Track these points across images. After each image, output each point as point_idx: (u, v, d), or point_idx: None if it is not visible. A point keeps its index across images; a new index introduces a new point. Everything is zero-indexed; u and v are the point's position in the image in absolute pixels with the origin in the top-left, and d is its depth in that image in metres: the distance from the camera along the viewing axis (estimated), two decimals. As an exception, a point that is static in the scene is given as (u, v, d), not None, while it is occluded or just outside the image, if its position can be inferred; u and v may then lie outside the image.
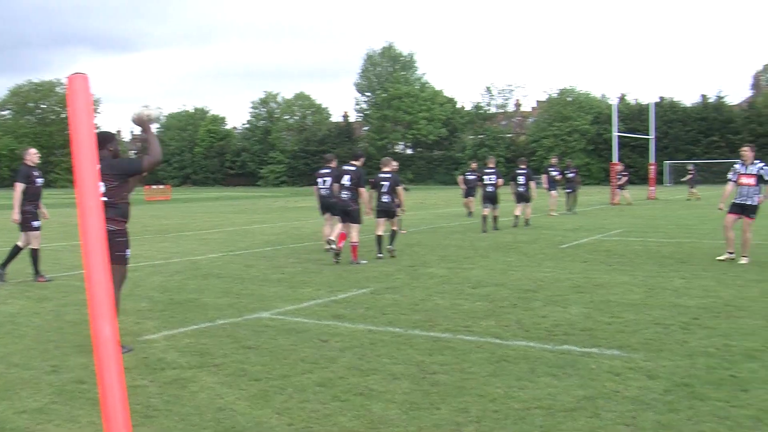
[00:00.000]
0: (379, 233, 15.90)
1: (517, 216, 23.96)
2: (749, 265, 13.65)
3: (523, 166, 24.62)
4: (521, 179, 24.30)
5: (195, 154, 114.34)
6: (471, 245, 18.16)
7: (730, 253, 14.49)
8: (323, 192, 16.69)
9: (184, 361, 7.42)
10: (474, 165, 31.83)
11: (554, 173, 30.88)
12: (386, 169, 16.31)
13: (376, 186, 16.21)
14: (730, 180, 14.76)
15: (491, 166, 23.35)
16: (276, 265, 14.88)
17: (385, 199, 15.98)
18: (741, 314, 9.26)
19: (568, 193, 32.10)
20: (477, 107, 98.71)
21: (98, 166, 7.35)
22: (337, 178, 15.71)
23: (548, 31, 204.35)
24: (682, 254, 15.63)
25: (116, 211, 7.65)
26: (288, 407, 5.97)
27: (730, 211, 14.52)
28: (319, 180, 16.91)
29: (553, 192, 30.34)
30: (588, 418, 5.57)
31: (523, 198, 23.92)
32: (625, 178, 40.48)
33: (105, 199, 7.41)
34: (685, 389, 6.19)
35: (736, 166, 14.73)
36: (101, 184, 7.43)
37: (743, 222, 14.33)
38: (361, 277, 13.13)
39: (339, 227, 15.37)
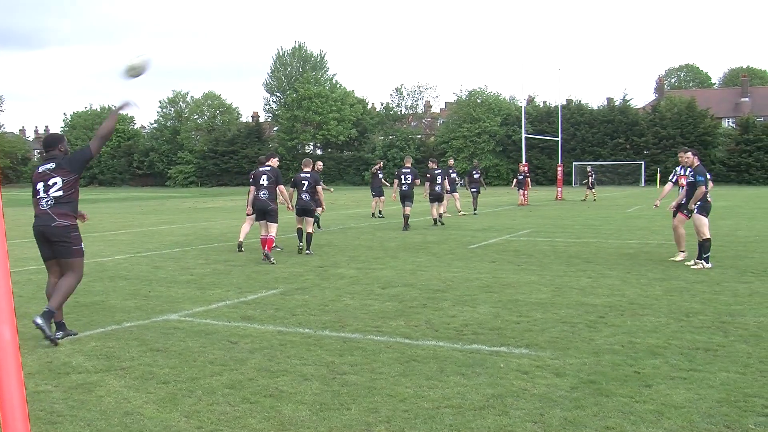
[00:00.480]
0: (300, 227, 16.77)
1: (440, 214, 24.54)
2: (652, 264, 14.06)
3: (408, 165, 24.13)
4: (408, 178, 23.73)
5: (102, 154, 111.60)
6: (380, 246, 18.24)
7: (682, 251, 14.93)
8: (262, 195, 16.14)
9: (90, 365, 7.25)
10: (380, 164, 32.19)
11: (453, 174, 31.04)
12: (306, 169, 16.92)
13: (296, 185, 16.74)
14: (669, 180, 15.71)
15: (408, 165, 24.06)
16: (184, 267, 14.68)
17: (304, 197, 16.54)
18: (645, 312, 9.54)
19: (474, 193, 32.61)
20: (387, 108, 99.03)
21: (53, 165, 8.17)
22: (254, 180, 15.98)
23: (458, 33, 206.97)
24: (588, 254, 16.00)
25: (70, 206, 8.28)
26: (197, 410, 5.89)
27: (676, 213, 14.96)
28: (260, 179, 16.40)
29: (455, 194, 30.51)
30: (497, 416, 5.66)
31: (414, 198, 24.08)
32: (516, 180, 40.73)
33: (60, 194, 8.20)
34: (591, 386, 6.35)
35: (677, 168, 15.63)
36: (58, 180, 8.20)
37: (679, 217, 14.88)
38: (270, 278, 13.05)
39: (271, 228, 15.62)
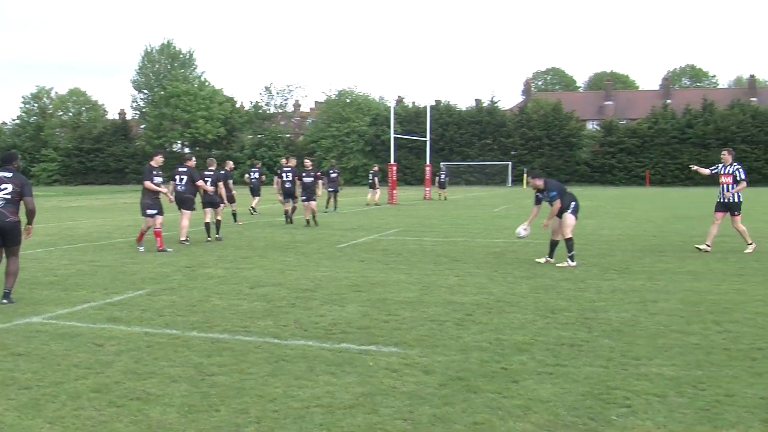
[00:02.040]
0: (207, 221, 19.42)
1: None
2: (519, 263, 14.46)
3: (185, 167, 23.07)
4: (289, 176, 24.50)
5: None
6: (249, 245, 18.09)
7: (708, 245, 16.33)
8: (179, 188, 18.55)
9: (-60, 371, 6.91)
10: (259, 164, 32.61)
11: (333, 174, 31.18)
12: (211, 167, 19.97)
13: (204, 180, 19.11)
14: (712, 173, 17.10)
15: (289, 165, 24.82)
16: (48, 268, 14.16)
17: (210, 192, 19.16)
18: (511, 309, 9.81)
19: (331, 192, 32.82)
20: (256, 107, 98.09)
21: (10, 174, 10.59)
22: (172, 177, 18.53)
23: (328, 32, 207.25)
24: (456, 253, 16.31)
25: (17, 207, 10.61)
26: (61, 416, 5.69)
27: (717, 210, 16.57)
28: (176, 177, 18.73)
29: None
30: (366, 414, 5.70)
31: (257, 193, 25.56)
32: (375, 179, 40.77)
33: (10, 197, 10.52)
34: (460, 383, 6.48)
35: (719, 165, 16.83)
36: (9, 186, 10.54)
37: (731, 218, 16.41)
38: (137, 278, 12.75)
39: (155, 221, 16.97)
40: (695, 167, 18.33)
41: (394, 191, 41.98)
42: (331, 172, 33.68)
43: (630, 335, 8.26)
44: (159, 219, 17.02)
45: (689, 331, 8.49)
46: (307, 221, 23.51)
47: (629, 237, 19.62)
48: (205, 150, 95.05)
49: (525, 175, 78.43)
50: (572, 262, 14.09)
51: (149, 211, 16.98)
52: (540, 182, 14.58)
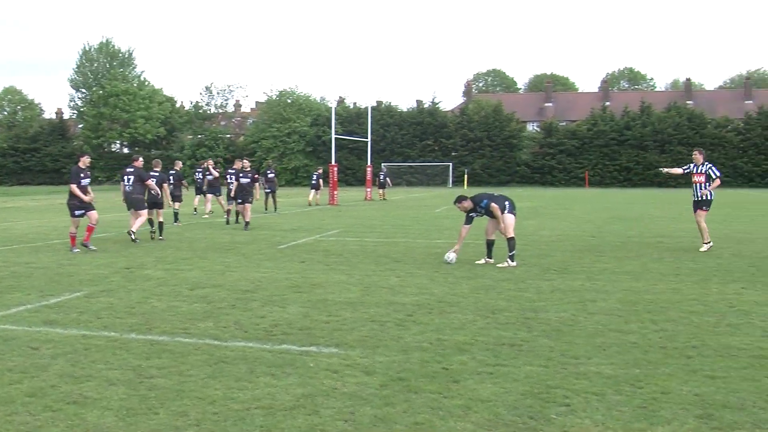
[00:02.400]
0: (150, 218, 19.68)
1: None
2: (459, 263, 14.53)
3: (132, 167, 20.69)
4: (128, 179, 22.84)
5: None
6: (189, 246, 17.93)
7: (708, 241, 16.91)
8: (127, 189, 18.94)
9: None
10: (205, 163, 32.45)
11: (209, 177, 30.31)
12: (157, 168, 20.44)
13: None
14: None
15: (235, 167, 25.03)
16: (-24, 270, 13.87)
17: (153, 192, 19.33)
18: (452, 310, 9.87)
19: (268, 193, 32.69)
20: (196, 107, 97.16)
21: None
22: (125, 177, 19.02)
23: (269, 33, 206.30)
24: (397, 253, 16.36)
25: None
26: (-9, 421, 5.59)
27: (695, 209, 17.28)
28: (124, 177, 19.08)
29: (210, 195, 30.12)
30: (307, 415, 5.69)
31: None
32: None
33: None
34: (401, 383, 6.50)
35: (690, 165, 17.59)
36: None
37: (698, 212, 17.14)
38: (74, 280, 12.53)
39: (90, 218, 17.05)
40: (666, 169, 19.10)
41: (335, 192, 41.93)
42: (269, 172, 33.56)
43: (569, 335, 8.37)
44: (94, 215, 17.10)
45: (627, 330, 8.63)
46: (246, 223, 23.25)
47: (569, 237, 19.87)
48: (145, 150, 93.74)
49: (466, 176, 79.15)
50: (512, 262, 14.22)
51: (77, 212, 16.98)
52: (468, 203, 14.73)
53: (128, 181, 18.80)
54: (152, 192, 19.29)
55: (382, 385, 6.45)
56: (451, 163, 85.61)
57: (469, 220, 14.83)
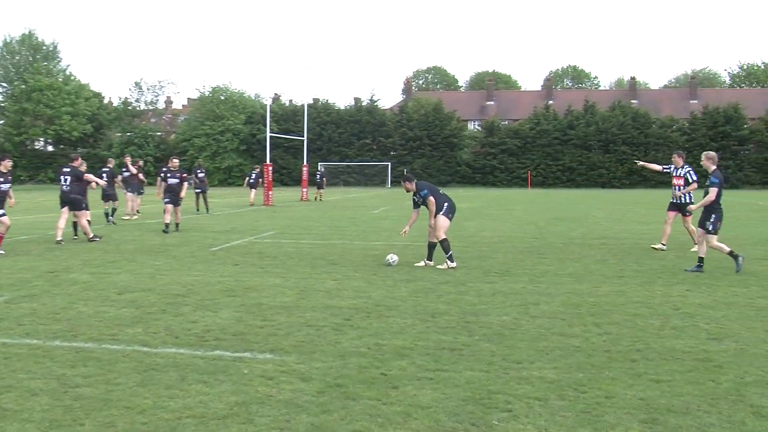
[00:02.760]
0: (72, 220, 20.00)
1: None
2: (398, 266, 14.58)
3: (69, 167, 20.86)
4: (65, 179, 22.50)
5: None
6: (117, 249, 17.69)
7: (664, 244, 17.52)
8: (64, 188, 19.33)
9: None
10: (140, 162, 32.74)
11: (125, 174, 29.74)
12: (78, 167, 20.02)
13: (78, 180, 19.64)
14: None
15: (172, 166, 24.10)
16: None
17: (95, 187, 20.36)
18: (391, 313, 9.91)
19: (198, 193, 32.42)
20: (125, 103, 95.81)
21: None
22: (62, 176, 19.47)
23: (201, 27, 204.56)
24: (334, 256, 16.36)
25: None
26: None
27: (669, 209, 17.89)
28: (61, 178, 19.51)
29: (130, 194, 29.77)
30: (241, 424, 5.67)
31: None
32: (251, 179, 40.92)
33: None
34: (338, 390, 6.51)
35: (671, 167, 18.19)
36: None
37: (682, 218, 17.73)
38: (-11, 284, 12.31)
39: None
40: (642, 162, 19.88)
41: (270, 192, 41.76)
42: (199, 171, 33.27)
43: (511, 338, 8.46)
44: (5, 221, 16.94)
45: (570, 333, 8.76)
46: (176, 225, 22.89)
47: (510, 239, 20.07)
48: (71, 148, 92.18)
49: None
50: (451, 262, 14.33)
51: None
52: (411, 185, 14.89)
53: (65, 182, 19.18)
54: (98, 186, 20.22)
55: (318, 391, 6.45)
56: (389, 163, 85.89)
57: (415, 204, 15.10)
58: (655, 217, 29.72)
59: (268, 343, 8.23)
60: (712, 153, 14.78)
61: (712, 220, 14.02)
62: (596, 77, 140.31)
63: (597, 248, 17.68)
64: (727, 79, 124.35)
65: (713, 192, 13.98)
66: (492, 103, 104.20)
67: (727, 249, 13.93)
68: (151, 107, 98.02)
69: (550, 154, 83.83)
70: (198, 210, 31.94)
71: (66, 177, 19.20)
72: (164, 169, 24.63)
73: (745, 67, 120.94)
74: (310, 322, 9.32)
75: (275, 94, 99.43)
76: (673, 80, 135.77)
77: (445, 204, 14.63)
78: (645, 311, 10.12)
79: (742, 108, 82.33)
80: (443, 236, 14.44)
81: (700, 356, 7.69)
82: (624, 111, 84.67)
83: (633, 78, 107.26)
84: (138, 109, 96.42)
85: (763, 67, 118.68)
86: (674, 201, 17.78)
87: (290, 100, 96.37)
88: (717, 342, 8.34)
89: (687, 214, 17.43)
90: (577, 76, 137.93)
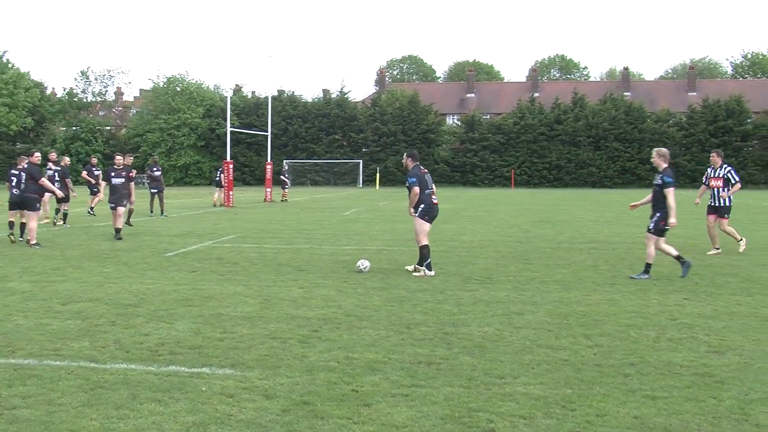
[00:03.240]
0: (20, 220, 20.54)
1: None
2: (371, 272, 14.60)
3: (122, 164, 23.39)
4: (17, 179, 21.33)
5: None
6: (61, 254, 17.57)
7: (717, 248, 18.06)
8: (14, 191, 20.06)
9: None
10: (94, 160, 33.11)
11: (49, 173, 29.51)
12: (21, 165, 20.56)
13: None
14: (703, 183, 19.22)
15: (122, 164, 23.98)
16: None
17: (15, 192, 20.16)
18: (362, 324, 9.91)
19: (154, 193, 32.16)
20: (70, 94, 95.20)
21: None
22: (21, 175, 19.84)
23: (154, 11, 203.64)
24: (300, 261, 16.34)
25: None
26: None
27: (708, 213, 18.42)
28: (12, 177, 20.18)
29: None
30: (197, 446, 5.64)
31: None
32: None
33: None
34: (305, 408, 6.49)
35: (708, 170, 18.63)
36: None
37: (718, 220, 18.25)
38: None
39: None
40: (698, 199, 19.86)
41: (231, 192, 41.65)
42: (155, 169, 33.03)
43: (493, 351, 8.48)
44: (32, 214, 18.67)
45: (558, 345, 8.79)
46: (116, 231, 21.82)
47: (492, 243, 20.13)
48: (9, 144, 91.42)
49: (378, 175, 79.40)
50: (429, 271, 14.33)
51: None
52: (409, 162, 15.05)
53: (16, 182, 19.94)
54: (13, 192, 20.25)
55: (283, 410, 6.43)
56: (361, 161, 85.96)
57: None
58: (642, 219, 29.88)
59: (229, 357, 8.20)
60: (664, 150, 14.86)
61: (655, 218, 14.19)
62: (586, 67, 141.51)
63: (587, 253, 17.78)
64: (729, 70, 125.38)
65: (671, 192, 14.09)
66: (472, 95, 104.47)
67: (651, 260, 14.15)
68: (99, 99, 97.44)
69: (536, 150, 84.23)
70: (152, 212, 31.73)
71: (18, 176, 19.66)
72: (113, 168, 24.40)
73: (749, 56, 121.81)
74: (275, 334, 9.29)
75: (236, 85, 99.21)
76: (669, 71, 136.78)
77: (423, 205, 14.55)
78: (639, 321, 10.17)
79: (746, 101, 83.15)
80: (424, 242, 14.41)
81: (700, 371, 7.73)
82: (616, 104, 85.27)
83: (626, 68, 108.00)
84: (85, 100, 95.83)
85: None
86: (712, 204, 18.27)
87: (253, 92, 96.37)
88: (718, 355, 8.40)
89: (725, 216, 18.08)
90: (565, 66, 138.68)
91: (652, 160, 14.77)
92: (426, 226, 14.60)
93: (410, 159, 15.06)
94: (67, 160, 27.98)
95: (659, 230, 14.09)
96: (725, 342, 9.00)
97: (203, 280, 13.68)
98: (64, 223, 25.92)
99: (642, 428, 6.04)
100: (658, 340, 9.12)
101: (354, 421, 6.16)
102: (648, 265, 14.09)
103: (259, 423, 6.12)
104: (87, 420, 6.20)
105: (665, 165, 14.37)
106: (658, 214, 14.08)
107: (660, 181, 14.17)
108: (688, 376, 7.50)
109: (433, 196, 14.75)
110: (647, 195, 14.92)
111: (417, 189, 14.47)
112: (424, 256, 14.39)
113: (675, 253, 14.11)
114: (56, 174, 25.38)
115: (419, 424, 6.09)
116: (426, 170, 15.05)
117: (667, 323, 10.07)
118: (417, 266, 14.70)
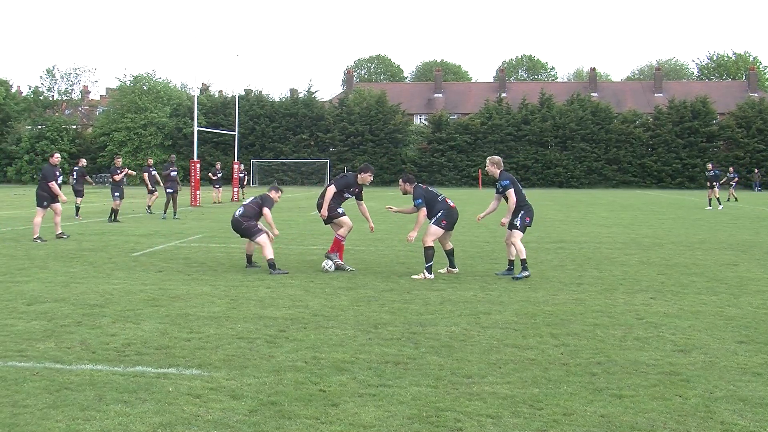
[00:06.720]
0: None
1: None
2: (338, 272, 14.60)
3: (80, 164, 23.97)
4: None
5: None
6: (26, 254, 17.43)
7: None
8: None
9: None
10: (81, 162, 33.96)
11: (153, 172, 30.46)
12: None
13: None
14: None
15: (80, 164, 25.01)
16: None
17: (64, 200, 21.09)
18: (330, 324, 9.92)
19: (170, 193, 31.36)
20: (35, 92, 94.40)
21: None
22: None
23: (121, 9, 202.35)
24: (268, 262, 16.30)
25: None
26: None
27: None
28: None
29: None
30: (164, 446, 5.62)
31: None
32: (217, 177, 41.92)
33: None
34: (273, 408, 6.49)
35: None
36: None
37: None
38: None
39: None
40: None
41: (197, 192, 41.49)
42: (171, 170, 32.57)
43: (461, 351, 8.52)
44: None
45: (525, 345, 8.83)
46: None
47: (460, 243, 20.16)
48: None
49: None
50: (429, 274, 14.30)
51: None
52: (408, 187, 15.02)
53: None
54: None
55: (251, 410, 6.42)
56: (328, 160, 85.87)
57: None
58: (616, 219, 30.14)
59: (196, 357, 8.18)
60: (496, 158, 15.22)
61: (520, 216, 14.39)
62: (553, 68, 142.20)
63: (554, 253, 17.87)
64: (695, 71, 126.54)
65: (512, 194, 14.31)
66: (440, 95, 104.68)
67: (524, 256, 14.21)
68: (65, 97, 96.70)
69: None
70: (165, 213, 31.10)
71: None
72: (74, 169, 24.93)
73: (715, 57, 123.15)
74: (242, 334, 9.28)
75: (203, 84, 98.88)
76: (636, 72, 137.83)
77: (441, 211, 14.59)
78: (606, 321, 10.25)
79: (711, 102, 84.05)
80: (430, 244, 14.40)
81: (666, 369, 7.80)
82: (583, 105, 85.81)
83: (593, 69, 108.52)
84: (50, 99, 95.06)
85: (734, 57, 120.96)
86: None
87: (220, 91, 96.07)
88: (684, 354, 8.48)
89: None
90: (532, 66, 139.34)
91: (486, 169, 15.02)
92: (440, 231, 14.59)
93: (407, 183, 15.02)
94: (83, 161, 30.49)
95: (524, 227, 14.44)
96: (691, 341, 9.09)
97: (170, 280, 13.62)
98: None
99: (609, 427, 6.09)
100: (624, 339, 9.19)
101: (321, 421, 6.17)
102: (523, 261, 14.18)
103: (226, 423, 6.10)
104: (52, 422, 6.15)
105: (499, 171, 14.74)
106: (522, 212, 14.29)
107: (500, 187, 14.46)
108: (654, 375, 7.57)
109: (448, 200, 14.78)
110: (490, 204, 15.29)
111: (425, 210, 14.49)
112: (429, 256, 14.33)
113: (524, 256, 14.16)
114: (75, 173, 27.92)
115: (387, 424, 6.10)
116: (425, 185, 15.14)
117: (634, 322, 10.15)
118: (450, 268, 14.90)
